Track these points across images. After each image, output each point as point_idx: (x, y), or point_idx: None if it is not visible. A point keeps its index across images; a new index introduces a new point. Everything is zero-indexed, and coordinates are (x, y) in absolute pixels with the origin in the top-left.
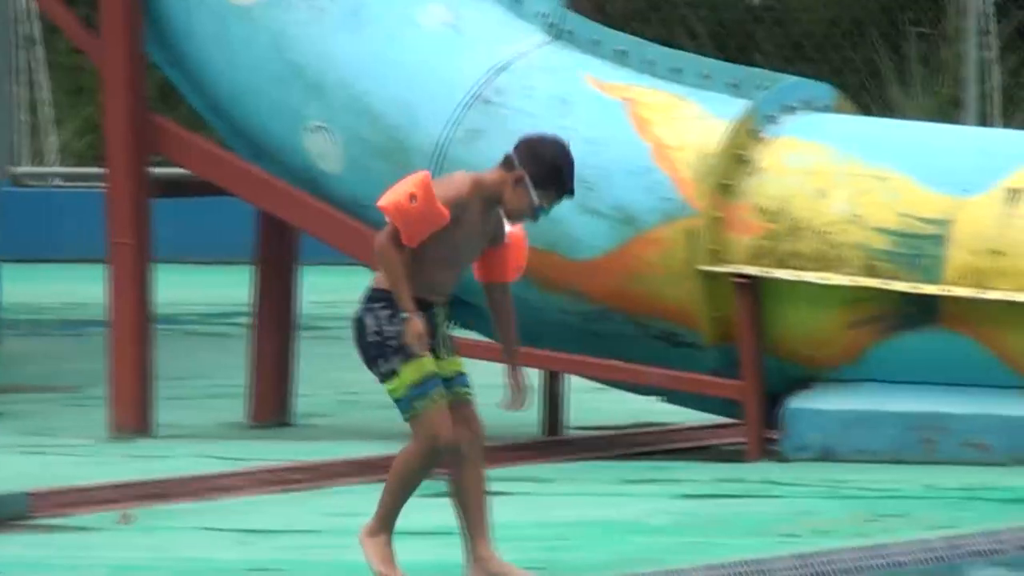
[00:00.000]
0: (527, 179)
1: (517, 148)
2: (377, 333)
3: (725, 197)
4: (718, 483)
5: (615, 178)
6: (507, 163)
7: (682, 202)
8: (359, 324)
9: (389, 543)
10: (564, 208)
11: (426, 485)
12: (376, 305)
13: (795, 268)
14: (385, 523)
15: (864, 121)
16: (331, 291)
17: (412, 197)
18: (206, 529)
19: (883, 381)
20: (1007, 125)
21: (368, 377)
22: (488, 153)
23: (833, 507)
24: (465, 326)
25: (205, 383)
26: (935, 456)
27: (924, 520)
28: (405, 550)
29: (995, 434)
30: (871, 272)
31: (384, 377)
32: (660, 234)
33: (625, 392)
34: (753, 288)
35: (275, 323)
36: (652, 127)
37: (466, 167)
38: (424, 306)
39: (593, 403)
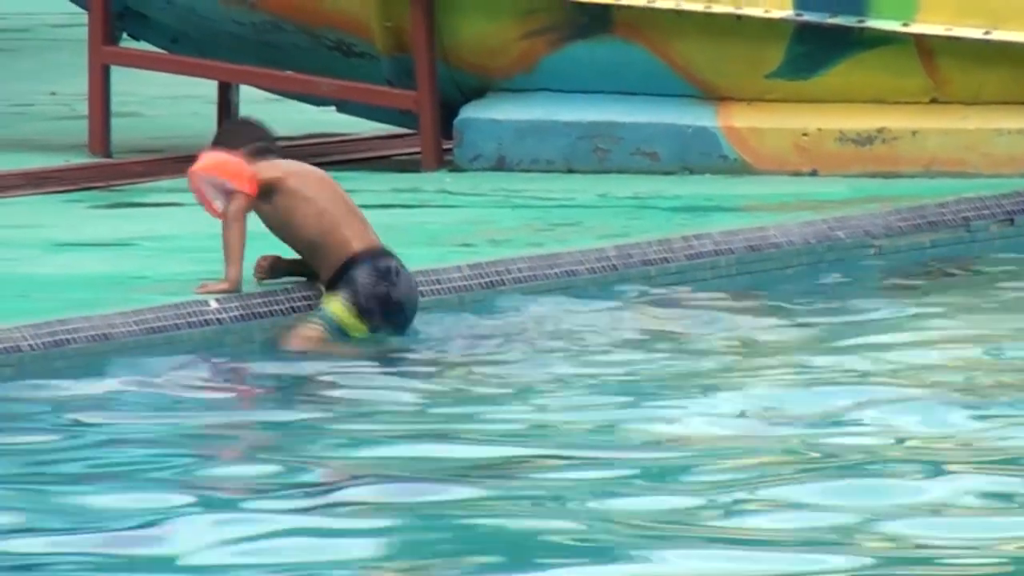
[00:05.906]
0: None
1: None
2: None
3: None
4: (394, 193)
5: None
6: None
7: None
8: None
9: None
10: None
11: (97, 196)
12: None
13: None
14: None
15: None
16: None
17: None
18: None
19: (557, 91)
20: None
21: (40, 88)
22: None
23: (507, 216)
24: (134, 37)
25: None
26: (607, 165)
27: (597, 229)
28: (84, 262)
29: (664, 142)
30: None
31: None
32: None
33: (300, 103)
34: None
35: None
36: None
37: None
38: None
39: (268, 114)
